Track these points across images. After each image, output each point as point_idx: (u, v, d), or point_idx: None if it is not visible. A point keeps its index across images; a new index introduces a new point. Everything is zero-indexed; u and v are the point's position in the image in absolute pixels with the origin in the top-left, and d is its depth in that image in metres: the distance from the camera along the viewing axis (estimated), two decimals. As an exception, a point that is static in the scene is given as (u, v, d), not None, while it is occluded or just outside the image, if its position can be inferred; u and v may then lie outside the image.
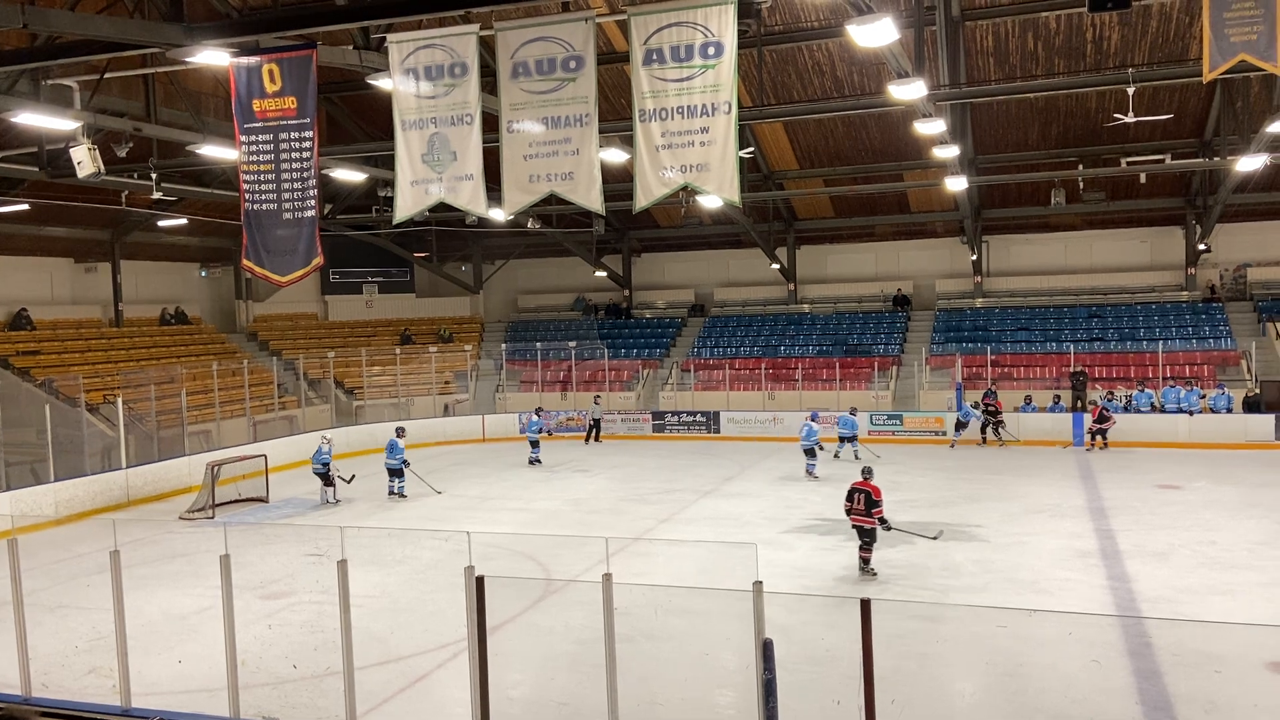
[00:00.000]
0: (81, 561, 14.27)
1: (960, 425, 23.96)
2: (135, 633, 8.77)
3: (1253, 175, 23.28)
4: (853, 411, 23.46)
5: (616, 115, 18.63)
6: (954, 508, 16.80)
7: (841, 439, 22.48)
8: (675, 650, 9.88)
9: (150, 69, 16.56)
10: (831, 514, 16.55)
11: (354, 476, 19.41)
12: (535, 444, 23.23)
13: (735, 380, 29.07)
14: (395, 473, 19.16)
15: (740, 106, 9.74)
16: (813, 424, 20.45)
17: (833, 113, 24.47)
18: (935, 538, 13.24)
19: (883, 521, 12.61)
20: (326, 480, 18.73)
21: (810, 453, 20.10)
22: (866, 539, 12.70)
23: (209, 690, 8.75)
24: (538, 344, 31.93)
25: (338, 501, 18.70)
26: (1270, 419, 22.51)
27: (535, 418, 23.94)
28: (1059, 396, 25.08)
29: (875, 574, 12.60)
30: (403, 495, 19.03)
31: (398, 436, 19.50)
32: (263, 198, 10.08)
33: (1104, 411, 22.82)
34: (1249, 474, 19.07)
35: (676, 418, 27.58)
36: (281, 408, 27.83)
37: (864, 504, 12.58)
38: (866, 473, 13.00)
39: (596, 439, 26.81)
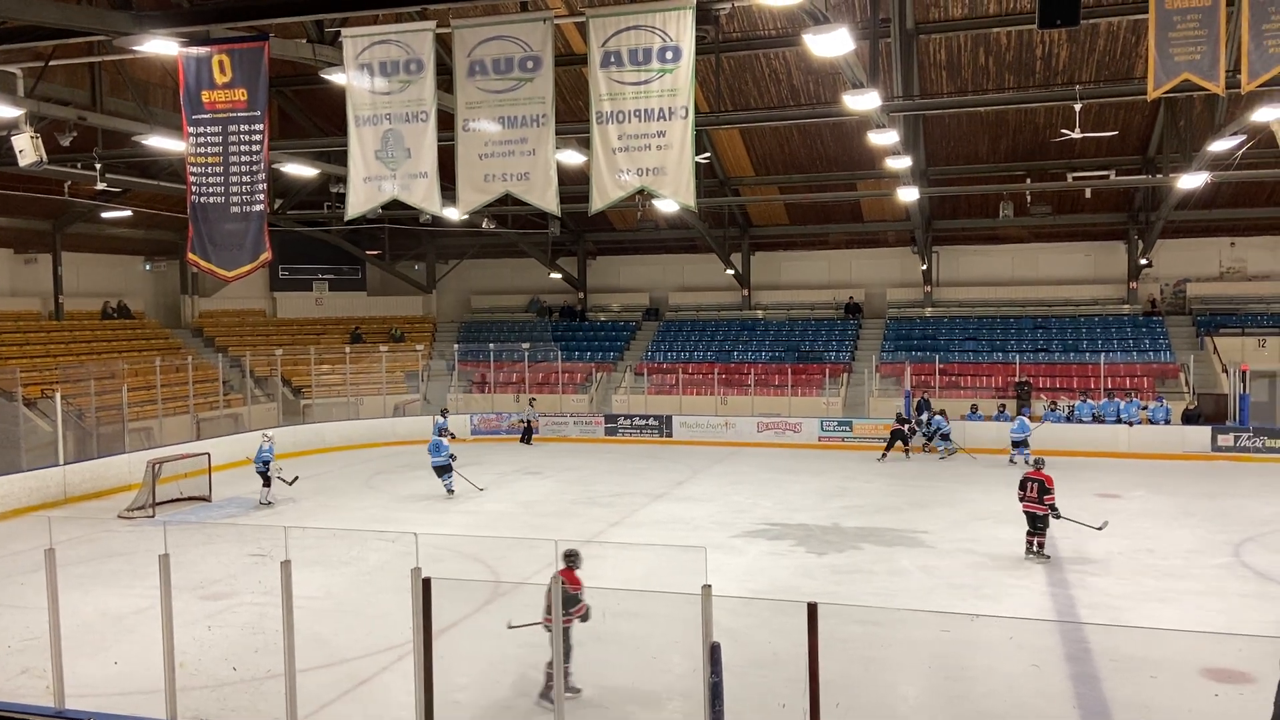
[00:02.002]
0: (16, 560, 13.91)
1: (941, 436, 24.05)
2: (70, 633, 8.55)
3: (1194, 193, 23.89)
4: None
5: (574, 117, 18.61)
6: (900, 513, 17.00)
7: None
8: (623, 653, 9.87)
9: (97, 57, 16.15)
10: (781, 519, 16.69)
11: (296, 479, 19.10)
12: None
13: (688, 384, 29.15)
14: (444, 470, 19.24)
15: (697, 112, 9.79)
16: (1025, 420, 22.39)
17: (788, 121, 24.68)
18: (1100, 528, 14.13)
19: (1053, 508, 13.61)
20: (265, 480, 18.43)
21: (1022, 444, 21.68)
22: (1037, 525, 13.66)
23: (145, 692, 8.56)
24: (491, 345, 31.73)
25: (270, 503, 18.33)
26: (1206, 430, 23.11)
27: (440, 418, 22.72)
28: (1004, 405, 25.52)
29: (1049, 557, 13.60)
30: (451, 491, 19.17)
31: (441, 435, 19.75)
32: (210, 191, 9.90)
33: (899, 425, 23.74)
34: (1185, 484, 19.56)
35: (629, 421, 27.58)
36: (226, 405, 27.32)
37: (1037, 491, 13.65)
38: (1039, 463, 14.32)
39: (528, 441, 26.71)
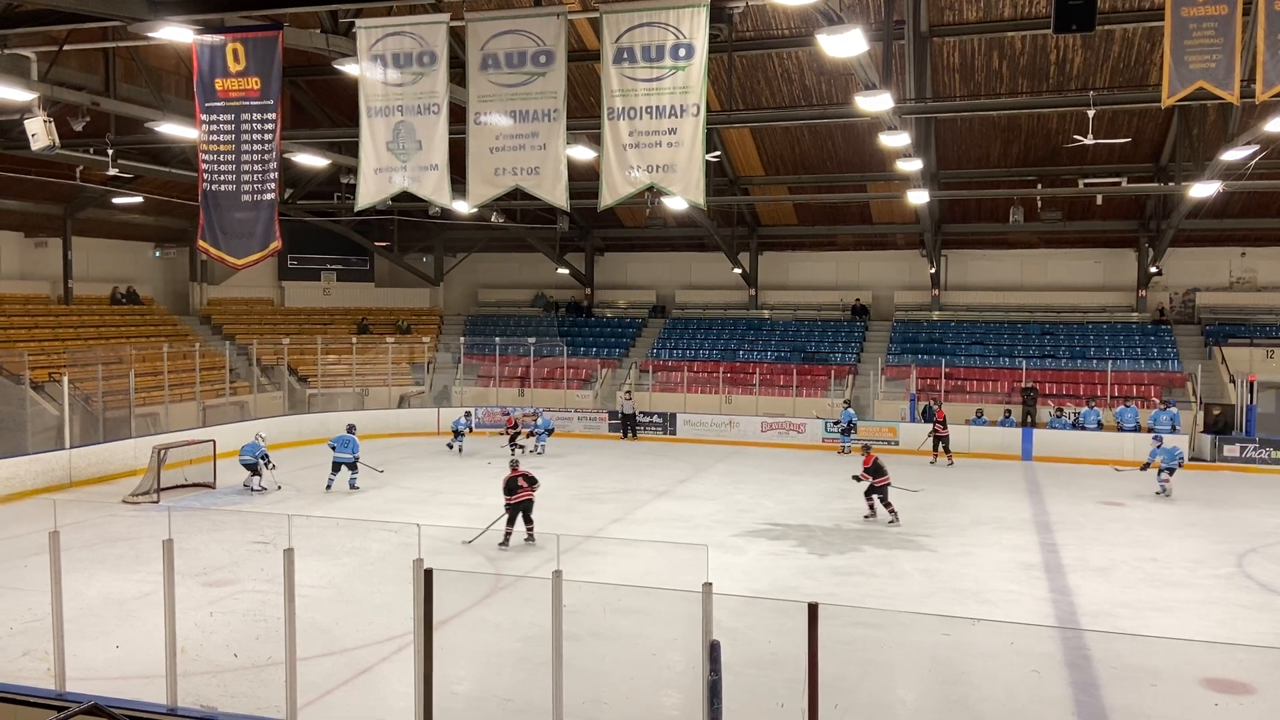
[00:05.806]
0: (19, 542, 13.96)
1: (846, 431, 24.85)
2: (73, 616, 8.57)
3: (1205, 202, 23.79)
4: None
5: (585, 112, 18.59)
6: (902, 516, 16.97)
7: None
8: (622, 649, 9.89)
9: (111, 43, 16.23)
10: (783, 519, 16.68)
11: (280, 487, 18.99)
12: (459, 434, 24.24)
13: (693, 383, 29.14)
14: (349, 466, 18.81)
15: (709, 110, 9.77)
16: None
17: (800, 121, 24.63)
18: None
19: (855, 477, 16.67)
20: (254, 471, 18.46)
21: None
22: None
23: (146, 677, 8.59)
24: (496, 339, 31.75)
25: (264, 489, 18.42)
26: (1211, 440, 23.02)
27: (463, 418, 24.74)
28: (1009, 411, 25.46)
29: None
30: (355, 487, 18.79)
31: (350, 432, 19.25)
32: (222, 178, 9.92)
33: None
34: (1189, 494, 19.49)
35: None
36: (233, 393, 27.40)
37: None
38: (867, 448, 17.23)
39: (634, 436, 26.97)
